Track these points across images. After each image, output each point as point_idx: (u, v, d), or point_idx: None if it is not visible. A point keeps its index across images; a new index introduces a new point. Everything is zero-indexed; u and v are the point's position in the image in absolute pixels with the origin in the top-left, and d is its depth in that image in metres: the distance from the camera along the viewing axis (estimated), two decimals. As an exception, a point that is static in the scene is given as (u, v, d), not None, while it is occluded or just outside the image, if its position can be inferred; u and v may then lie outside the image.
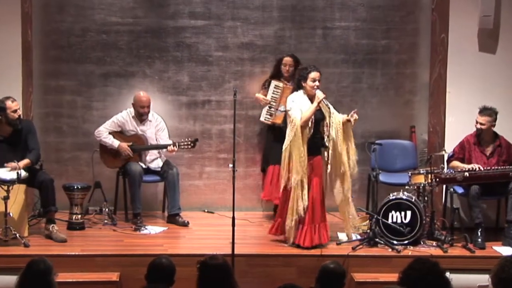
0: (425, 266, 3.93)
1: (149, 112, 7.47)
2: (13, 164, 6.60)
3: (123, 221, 7.46)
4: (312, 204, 6.55)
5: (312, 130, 6.56)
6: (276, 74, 7.56)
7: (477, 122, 6.99)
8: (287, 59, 7.48)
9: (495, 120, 6.98)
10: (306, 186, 6.50)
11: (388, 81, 8.10)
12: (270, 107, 7.54)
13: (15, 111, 6.76)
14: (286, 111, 6.74)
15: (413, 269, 3.94)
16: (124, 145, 7.40)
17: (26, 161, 6.75)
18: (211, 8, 7.95)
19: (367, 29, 8.02)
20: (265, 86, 7.59)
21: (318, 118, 6.59)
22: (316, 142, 6.61)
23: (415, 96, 8.11)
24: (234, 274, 4.44)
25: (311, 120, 6.53)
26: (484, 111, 6.96)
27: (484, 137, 7.06)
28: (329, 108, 6.62)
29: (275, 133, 7.44)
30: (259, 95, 7.59)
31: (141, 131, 7.50)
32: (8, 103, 6.74)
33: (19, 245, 6.49)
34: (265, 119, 7.61)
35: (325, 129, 6.62)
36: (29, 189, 7.00)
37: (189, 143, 7.37)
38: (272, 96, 7.51)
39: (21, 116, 6.89)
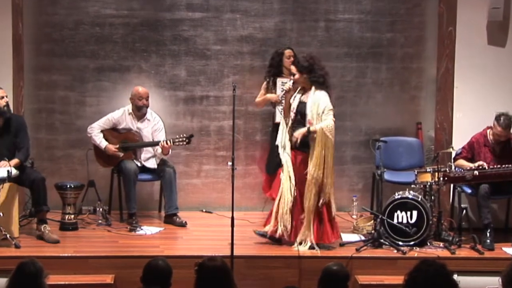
0: (432, 268, 3.87)
1: (148, 105, 7.42)
2: (4, 162, 6.53)
3: (118, 221, 7.40)
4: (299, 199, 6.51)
5: (290, 121, 6.50)
6: (277, 71, 7.40)
7: (499, 136, 6.86)
8: (289, 51, 7.38)
9: None
10: (287, 179, 6.45)
11: (393, 75, 8.06)
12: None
13: (1, 97, 6.67)
14: None
15: (419, 271, 3.88)
16: (111, 147, 7.35)
17: (15, 160, 6.68)
18: (209, -1, 7.92)
19: (372, 22, 7.98)
20: (270, 86, 7.41)
21: (301, 110, 6.48)
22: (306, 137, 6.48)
23: (421, 92, 8.07)
24: (233, 276, 4.41)
25: (291, 112, 6.46)
26: (505, 123, 6.78)
27: None
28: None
29: None
30: (272, 96, 7.36)
31: (138, 128, 7.43)
32: None
33: (9, 246, 6.41)
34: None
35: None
36: (20, 188, 6.93)
37: (184, 139, 7.29)
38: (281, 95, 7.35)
39: (9, 105, 6.80)
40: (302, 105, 6.48)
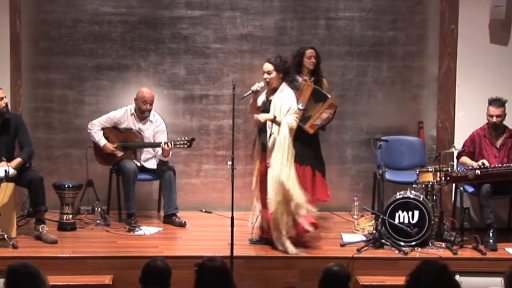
0: (433, 269, 3.83)
1: (151, 109, 7.39)
2: (3, 162, 6.50)
3: (117, 222, 7.39)
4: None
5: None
6: (297, 70, 7.27)
7: (491, 116, 6.93)
8: (311, 51, 7.29)
9: (505, 109, 6.94)
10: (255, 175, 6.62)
11: (394, 74, 8.02)
12: None
13: (1, 99, 6.62)
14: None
15: (421, 271, 3.84)
16: (110, 146, 7.33)
17: (18, 160, 6.67)
18: (209, -3, 7.92)
19: (373, 20, 7.94)
20: None
21: (266, 108, 6.47)
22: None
23: (423, 90, 8.03)
24: (233, 277, 4.40)
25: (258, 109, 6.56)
26: (496, 102, 6.91)
27: (495, 129, 7.03)
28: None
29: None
30: None
31: (139, 129, 7.42)
32: None
33: (7, 247, 6.38)
34: None
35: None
36: (17, 187, 6.88)
37: (185, 142, 7.26)
38: None
39: (9, 106, 6.76)
40: (268, 103, 6.48)
